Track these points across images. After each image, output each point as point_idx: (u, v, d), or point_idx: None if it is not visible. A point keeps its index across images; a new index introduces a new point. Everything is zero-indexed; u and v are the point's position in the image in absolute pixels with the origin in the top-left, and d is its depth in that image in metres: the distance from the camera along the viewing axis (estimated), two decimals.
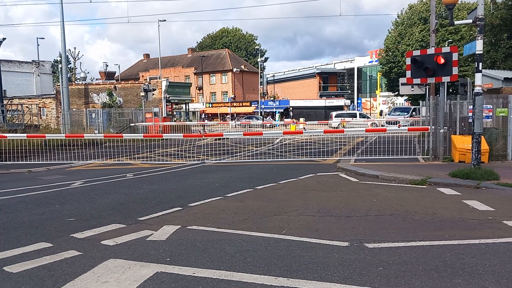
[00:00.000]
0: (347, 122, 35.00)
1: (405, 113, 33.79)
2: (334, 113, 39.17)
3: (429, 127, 13.03)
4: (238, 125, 39.54)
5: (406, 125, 25.37)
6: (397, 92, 44.91)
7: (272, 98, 66.10)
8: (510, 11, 28.13)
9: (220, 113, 61.59)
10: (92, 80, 55.94)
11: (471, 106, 10.39)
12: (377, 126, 29.72)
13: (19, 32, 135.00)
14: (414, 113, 33.07)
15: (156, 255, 4.52)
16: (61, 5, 26.99)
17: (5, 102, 27.00)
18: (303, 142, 20.26)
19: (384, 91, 60.26)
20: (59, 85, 31.59)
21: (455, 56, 10.86)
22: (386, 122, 30.82)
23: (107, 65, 58.19)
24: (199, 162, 13.75)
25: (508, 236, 5.01)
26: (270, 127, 38.00)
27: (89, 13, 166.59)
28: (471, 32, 28.94)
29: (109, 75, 60.53)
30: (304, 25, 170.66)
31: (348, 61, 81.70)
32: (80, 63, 72.17)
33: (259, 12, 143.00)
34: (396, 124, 27.80)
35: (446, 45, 29.78)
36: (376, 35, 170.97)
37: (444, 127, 11.97)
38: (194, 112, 64.61)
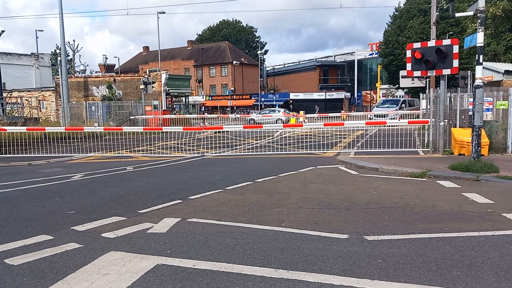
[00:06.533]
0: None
1: (394, 106, 31.84)
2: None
3: (429, 120, 13.03)
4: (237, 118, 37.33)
5: (394, 118, 25.06)
6: (397, 85, 44.76)
7: (272, 91, 65.95)
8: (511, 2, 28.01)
9: (220, 106, 61.50)
10: (91, 73, 55.81)
11: (472, 98, 10.37)
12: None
13: (19, 24, 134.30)
14: (403, 105, 31.52)
15: (157, 248, 4.53)
16: None
17: (4, 95, 26.96)
18: (303, 135, 20.25)
19: (384, 84, 60.04)
20: (59, 77, 31.50)
21: (455, 49, 10.82)
22: (374, 116, 28.91)
23: (107, 58, 58.07)
24: (199, 155, 13.76)
25: (507, 229, 5.02)
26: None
27: (89, 4, 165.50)
28: (473, 24, 28.79)
29: (108, 68, 60.41)
30: (308, 17, 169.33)
31: (349, 53, 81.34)
32: (80, 55, 71.91)
33: (263, 3, 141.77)
34: (385, 117, 26.72)
35: (446, 38, 29.63)
36: (381, 27, 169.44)
37: (444, 120, 11.96)
38: (194, 105, 64.51)
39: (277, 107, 47.76)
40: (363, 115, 35.05)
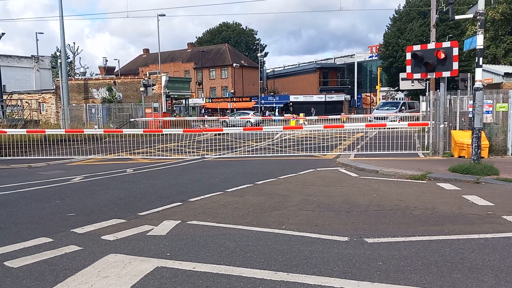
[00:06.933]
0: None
1: (394, 108, 32.02)
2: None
3: (429, 122, 13.04)
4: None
5: (394, 120, 25.10)
6: (397, 87, 44.82)
7: (272, 93, 65.98)
8: (510, 6, 28.05)
9: (220, 108, 61.53)
10: (91, 75, 55.83)
11: (471, 101, 10.38)
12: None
13: (19, 26, 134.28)
14: (403, 107, 31.63)
15: (156, 250, 4.53)
16: None
17: (4, 97, 27.01)
18: (303, 137, 20.25)
19: (384, 86, 60.11)
20: (59, 80, 31.54)
21: (455, 51, 10.83)
22: (374, 118, 29.09)
23: (107, 60, 58.06)
24: (199, 157, 13.76)
25: (508, 231, 5.02)
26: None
27: (89, 6, 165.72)
28: (473, 27, 28.81)
29: (108, 70, 60.43)
30: (308, 19, 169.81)
31: (349, 56, 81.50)
32: (80, 58, 72.03)
33: (263, 5, 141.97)
34: (385, 119, 26.65)
35: (446, 40, 29.62)
36: (382, 29, 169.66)
37: (444, 122, 11.97)
38: (194, 107, 64.60)
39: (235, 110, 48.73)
40: (363, 117, 35.07)
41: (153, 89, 31.30)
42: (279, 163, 11.95)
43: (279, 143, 17.92)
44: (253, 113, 38.61)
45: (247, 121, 34.71)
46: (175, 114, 39.45)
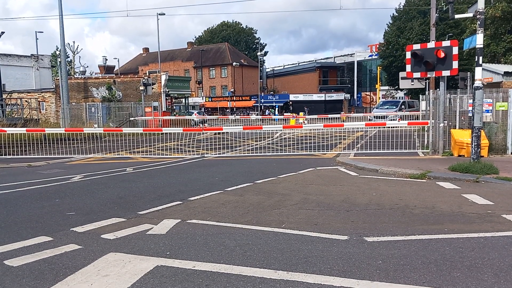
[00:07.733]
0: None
1: (394, 107, 32.02)
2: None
3: (428, 121, 13.04)
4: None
5: (394, 119, 25.06)
6: (397, 86, 44.84)
7: (271, 92, 65.99)
8: (511, 4, 28.06)
9: (219, 107, 61.54)
10: (91, 74, 55.83)
11: (471, 100, 10.37)
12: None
13: (19, 25, 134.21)
14: (403, 106, 31.62)
15: (156, 249, 4.53)
16: None
17: (4, 96, 26.98)
18: (303, 136, 20.25)
19: (384, 85, 60.11)
20: (59, 79, 31.53)
21: (455, 50, 10.82)
22: (374, 117, 29.14)
23: (107, 59, 58.09)
24: (199, 156, 13.76)
25: (507, 230, 5.02)
26: None
27: (89, 5, 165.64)
28: (472, 25, 28.79)
29: (108, 69, 60.46)
30: (308, 18, 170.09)
31: (348, 55, 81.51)
32: (79, 57, 71.95)
33: (263, 4, 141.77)
34: (385, 118, 26.59)
35: (446, 39, 29.58)
36: (381, 28, 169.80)
37: (444, 121, 11.97)
38: (194, 106, 64.61)
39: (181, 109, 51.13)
40: (363, 116, 35.03)
41: (152, 88, 31.30)
42: (279, 162, 11.95)
43: (279, 142, 17.92)
44: (196, 113, 42.97)
45: (191, 120, 37.36)
46: (175, 113, 39.54)
